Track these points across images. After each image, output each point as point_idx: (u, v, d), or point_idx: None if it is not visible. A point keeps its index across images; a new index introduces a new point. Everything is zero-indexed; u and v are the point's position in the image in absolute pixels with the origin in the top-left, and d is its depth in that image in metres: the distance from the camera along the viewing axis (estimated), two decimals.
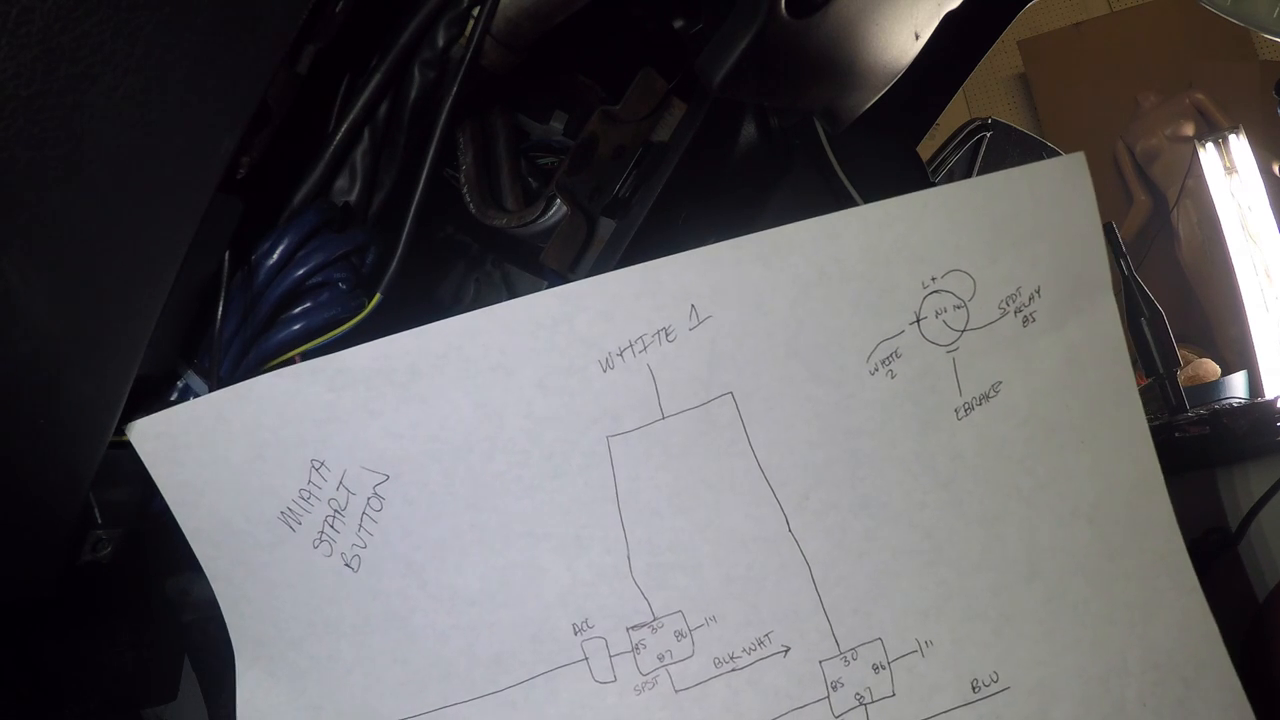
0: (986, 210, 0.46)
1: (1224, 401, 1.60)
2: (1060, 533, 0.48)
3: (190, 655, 0.59)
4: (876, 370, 0.46)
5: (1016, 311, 0.47)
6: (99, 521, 0.47)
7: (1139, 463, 0.48)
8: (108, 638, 0.56)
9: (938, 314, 0.46)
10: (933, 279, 0.46)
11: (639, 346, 0.45)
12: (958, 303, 0.46)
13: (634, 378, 0.45)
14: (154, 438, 0.45)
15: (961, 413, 0.47)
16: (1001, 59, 2.93)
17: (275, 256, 0.47)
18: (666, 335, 0.45)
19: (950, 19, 0.58)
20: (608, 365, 0.45)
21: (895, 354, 0.46)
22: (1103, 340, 0.48)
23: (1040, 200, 0.46)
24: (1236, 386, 1.86)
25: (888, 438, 0.47)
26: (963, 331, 0.47)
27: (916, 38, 0.57)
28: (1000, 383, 0.47)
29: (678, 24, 0.60)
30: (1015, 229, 0.46)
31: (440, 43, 0.48)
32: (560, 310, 0.44)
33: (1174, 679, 0.48)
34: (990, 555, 0.48)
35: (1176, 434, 0.80)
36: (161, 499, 0.46)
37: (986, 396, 0.47)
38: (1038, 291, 0.47)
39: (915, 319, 0.46)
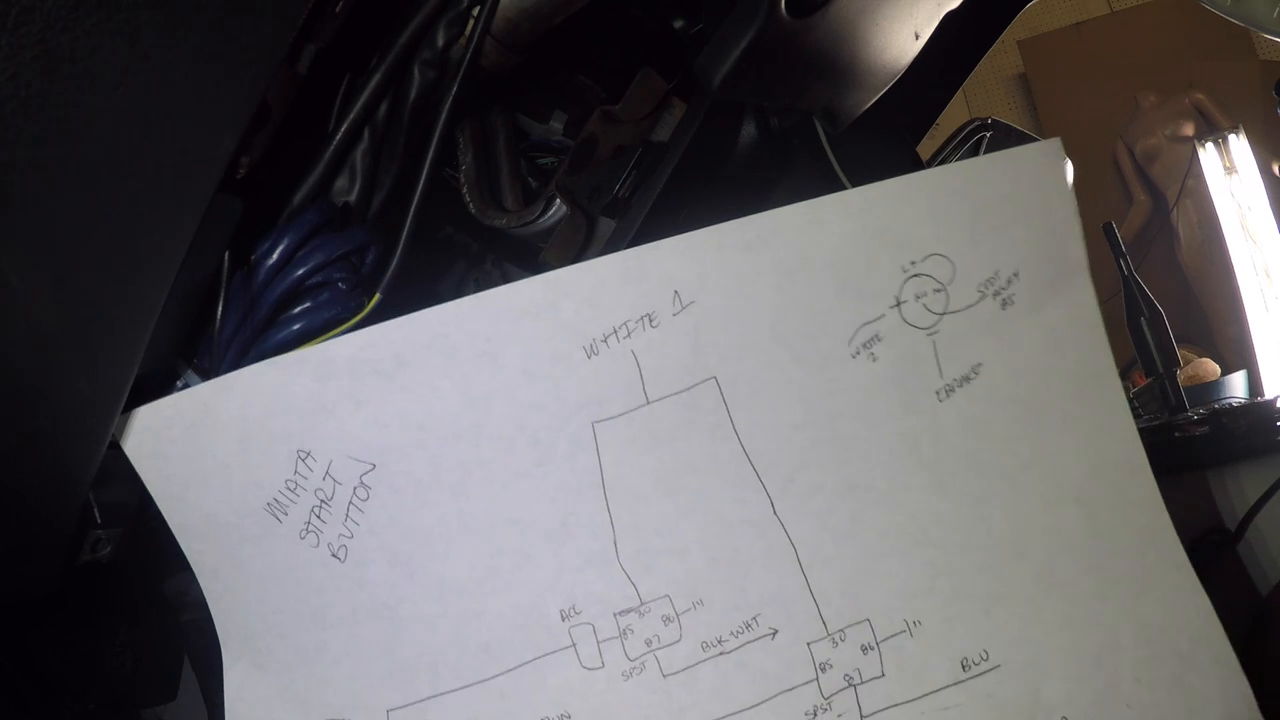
0: (965, 195, 0.46)
1: (1224, 401, 1.60)
2: (1046, 512, 0.48)
3: (190, 654, 0.59)
4: (858, 354, 0.47)
5: (995, 294, 0.47)
6: (99, 521, 0.47)
7: (1122, 442, 0.48)
8: (108, 637, 0.56)
9: (918, 297, 0.46)
10: (912, 263, 0.46)
11: (623, 333, 0.45)
12: (937, 286, 0.46)
13: (619, 364, 0.45)
14: (138, 431, 0.45)
15: (943, 395, 0.48)
16: (1001, 59, 2.93)
17: (275, 256, 0.47)
18: (650, 321, 0.45)
19: (950, 19, 0.58)
20: (592, 351, 0.45)
21: (876, 337, 0.47)
22: (1082, 322, 0.48)
23: (1018, 185, 0.46)
24: (1236, 386, 1.86)
25: (870, 420, 0.47)
26: (942, 315, 0.47)
27: (916, 38, 0.57)
28: (980, 365, 0.48)
29: (678, 24, 0.60)
30: (993, 213, 0.46)
31: (440, 43, 0.48)
32: (545, 297, 0.45)
33: (1168, 654, 0.48)
34: (976, 535, 0.48)
35: (1176, 434, 0.80)
36: None
37: (967, 379, 0.48)
38: (1016, 275, 0.47)
39: (895, 303, 0.46)
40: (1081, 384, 0.48)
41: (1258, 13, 0.82)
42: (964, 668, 0.48)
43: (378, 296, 0.48)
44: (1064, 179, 0.47)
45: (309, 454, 0.46)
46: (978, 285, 0.47)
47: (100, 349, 0.40)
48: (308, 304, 0.48)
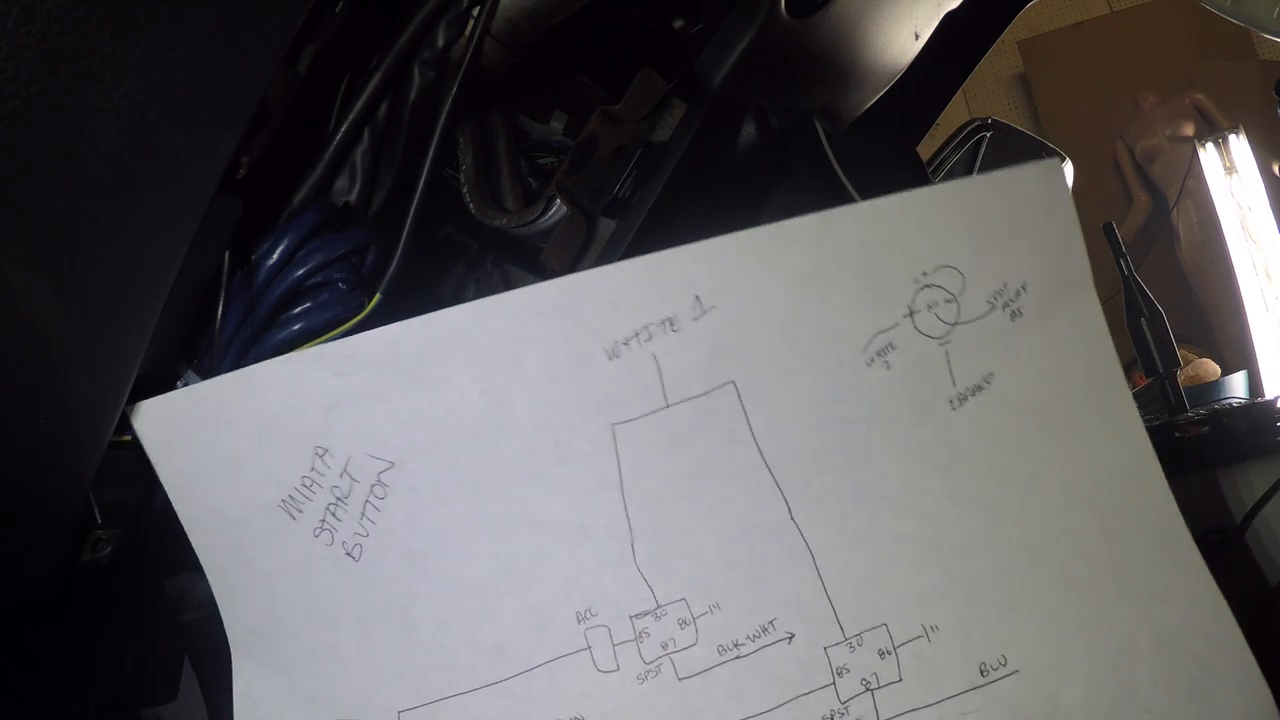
0: (972, 210, 0.47)
1: (1224, 401, 1.60)
2: (1060, 518, 0.48)
3: (190, 655, 0.59)
4: (873, 361, 0.47)
5: (1004, 306, 0.47)
6: (99, 521, 0.46)
7: (1133, 449, 0.49)
8: (108, 638, 0.56)
9: (930, 308, 0.47)
10: (924, 274, 0.46)
11: (644, 336, 0.45)
12: (948, 297, 0.47)
13: (639, 366, 0.45)
14: (155, 420, 0.45)
15: (955, 403, 0.48)
16: (1001, 59, 2.93)
17: (275, 256, 0.47)
18: (671, 325, 0.45)
19: (950, 19, 0.58)
20: (613, 354, 0.45)
21: (890, 346, 0.47)
22: (1088, 334, 0.48)
23: (1021, 203, 0.47)
24: (1236, 386, 1.86)
25: (884, 426, 0.48)
26: (954, 325, 0.47)
27: (916, 38, 0.57)
28: (992, 374, 0.48)
29: (678, 24, 0.60)
30: (999, 229, 0.47)
31: (440, 43, 0.48)
32: (567, 299, 0.45)
33: (1187, 659, 0.48)
34: (992, 541, 0.48)
35: (1176, 434, 0.80)
36: (162, 498, 0.46)
37: (979, 387, 0.48)
38: (1024, 287, 0.47)
39: (908, 312, 0.47)
40: (1090, 393, 0.49)
41: (1258, 13, 0.82)
42: (982, 673, 0.48)
43: (378, 296, 0.48)
44: (1066, 196, 0.48)
45: (327, 451, 0.46)
46: (987, 297, 0.47)
47: (101, 349, 0.40)
48: (308, 304, 0.48)
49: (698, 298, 0.45)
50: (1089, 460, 0.48)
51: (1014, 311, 0.47)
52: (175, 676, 0.58)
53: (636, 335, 0.45)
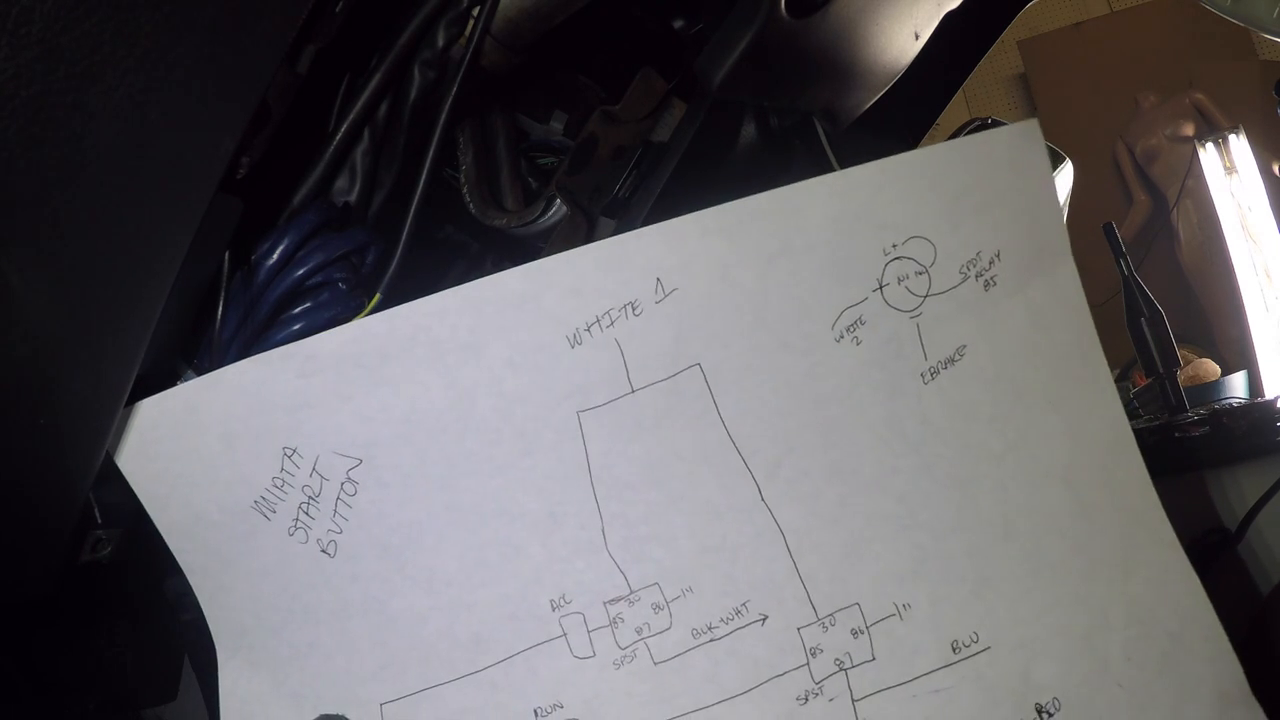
0: (944, 177, 0.46)
1: (1224, 401, 1.60)
2: (1034, 493, 0.48)
3: (190, 654, 0.59)
4: (842, 338, 0.47)
5: (978, 276, 0.47)
6: (99, 521, 0.47)
7: (1109, 421, 0.48)
8: (107, 637, 0.56)
9: (900, 280, 0.46)
10: (894, 246, 0.46)
11: (606, 321, 0.45)
12: (919, 269, 0.46)
13: (602, 352, 0.45)
14: (123, 431, 0.45)
15: (928, 377, 0.47)
16: (1001, 59, 2.93)
17: (275, 256, 0.47)
18: (633, 309, 0.45)
19: (950, 19, 0.58)
20: (576, 341, 0.45)
21: (860, 321, 0.46)
22: (1065, 303, 0.48)
23: (996, 167, 0.46)
24: (1236, 386, 1.86)
25: (856, 404, 0.47)
26: (925, 297, 0.47)
27: (916, 38, 0.57)
28: (965, 346, 0.47)
29: (678, 24, 0.60)
30: (973, 195, 0.46)
31: (440, 43, 0.48)
32: (527, 288, 0.45)
33: (1158, 633, 0.48)
34: (965, 517, 0.48)
35: (1176, 434, 0.80)
36: None
37: (952, 360, 0.47)
38: (998, 256, 0.47)
39: (878, 286, 0.46)
40: (1067, 363, 0.48)
41: (1258, 13, 0.82)
42: (954, 650, 0.48)
43: (378, 296, 0.48)
44: (1043, 160, 0.47)
45: (295, 450, 0.46)
46: (960, 267, 0.47)
47: (101, 349, 0.40)
48: (308, 304, 0.48)
49: (659, 280, 0.45)
50: (1063, 433, 0.48)
51: (987, 281, 0.47)
52: (175, 676, 0.58)
53: (598, 321, 0.45)
